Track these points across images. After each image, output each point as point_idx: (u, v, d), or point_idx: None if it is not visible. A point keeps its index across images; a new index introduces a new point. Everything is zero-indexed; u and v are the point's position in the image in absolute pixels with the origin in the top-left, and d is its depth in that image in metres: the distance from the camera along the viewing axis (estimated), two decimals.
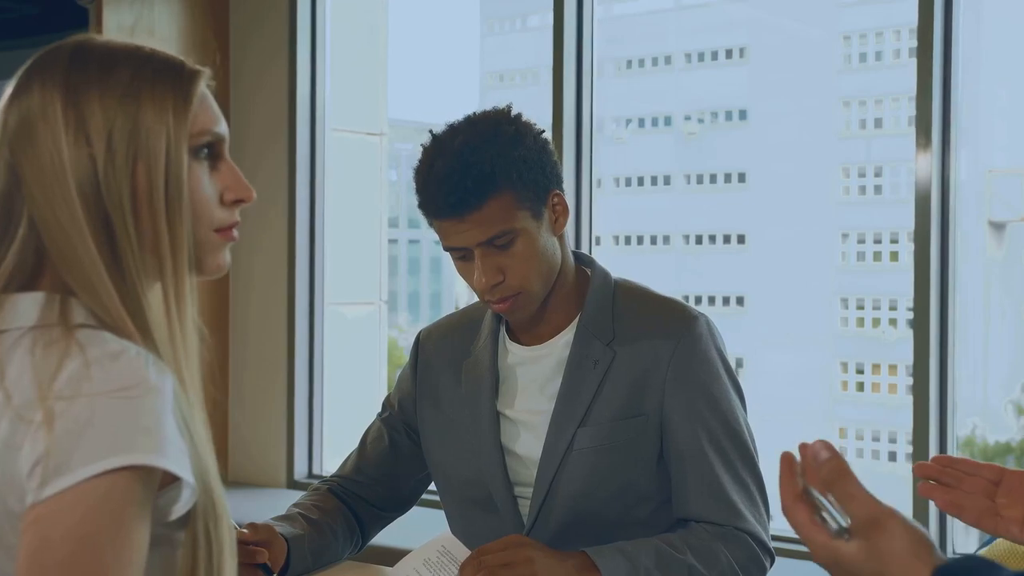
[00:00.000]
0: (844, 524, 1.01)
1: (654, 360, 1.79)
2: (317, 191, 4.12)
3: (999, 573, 0.97)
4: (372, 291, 4.41)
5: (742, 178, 18.95)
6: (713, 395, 1.80)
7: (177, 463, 1.03)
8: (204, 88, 1.18)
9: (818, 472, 1.03)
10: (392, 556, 3.07)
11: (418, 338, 2.01)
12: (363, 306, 4.38)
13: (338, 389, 4.17)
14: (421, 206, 1.79)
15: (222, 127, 1.19)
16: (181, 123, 1.14)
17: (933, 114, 2.95)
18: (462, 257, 1.78)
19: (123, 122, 1.11)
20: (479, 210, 1.71)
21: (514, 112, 1.81)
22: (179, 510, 1.07)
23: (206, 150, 1.18)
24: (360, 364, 4.31)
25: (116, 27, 3.89)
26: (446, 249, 1.79)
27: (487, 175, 1.71)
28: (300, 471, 4.10)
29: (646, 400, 1.79)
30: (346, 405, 4.13)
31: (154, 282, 1.13)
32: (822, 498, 1.03)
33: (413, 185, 1.80)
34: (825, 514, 1.02)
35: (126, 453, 1.00)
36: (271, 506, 3.89)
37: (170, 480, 1.05)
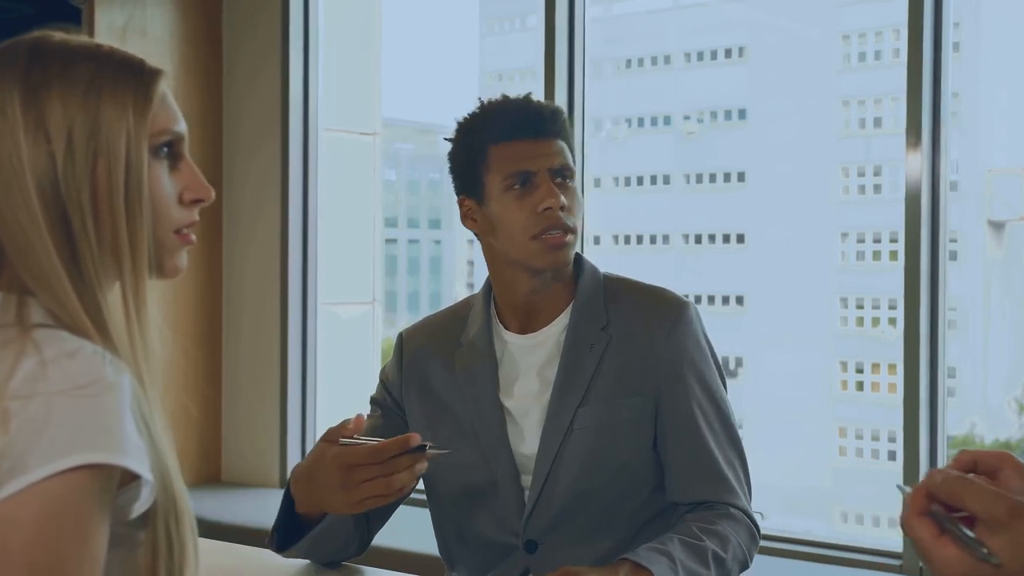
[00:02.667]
0: (976, 541, 0.93)
1: (649, 343, 1.84)
2: (310, 191, 4.12)
3: None
4: (366, 291, 4.41)
5: (741, 177, 18.90)
6: (705, 377, 1.87)
7: (136, 461, 1.03)
8: (164, 87, 1.17)
9: (935, 487, 0.97)
10: (383, 557, 3.07)
11: (401, 336, 2.03)
12: (357, 306, 4.38)
13: (332, 389, 4.17)
14: (493, 131, 1.84)
15: (182, 126, 1.19)
16: (141, 122, 1.13)
17: (923, 113, 2.95)
18: (523, 184, 1.82)
19: (83, 120, 1.11)
20: (559, 137, 1.85)
21: None
22: (139, 509, 1.07)
23: (166, 149, 1.17)
24: (354, 364, 4.31)
25: (108, 27, 3.88)
26: (511, 175, 1.82)
27: (563, 120, 1.88)
28: None
29: (641, 382, 1.84)
30: (340, 405, 4.12)
31: (113, 281, 1.12)
32: (950, 520, 0.95)
33: (472, 124, 1.87)
34: (954, 529, 0.94)
35: (84, 451, 0.99)
36: (264, 506, 3.89)
37: (130, 479, 1.04)
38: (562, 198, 1.81)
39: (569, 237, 1.83)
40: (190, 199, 1.19)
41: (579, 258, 1.94)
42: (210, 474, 4.22)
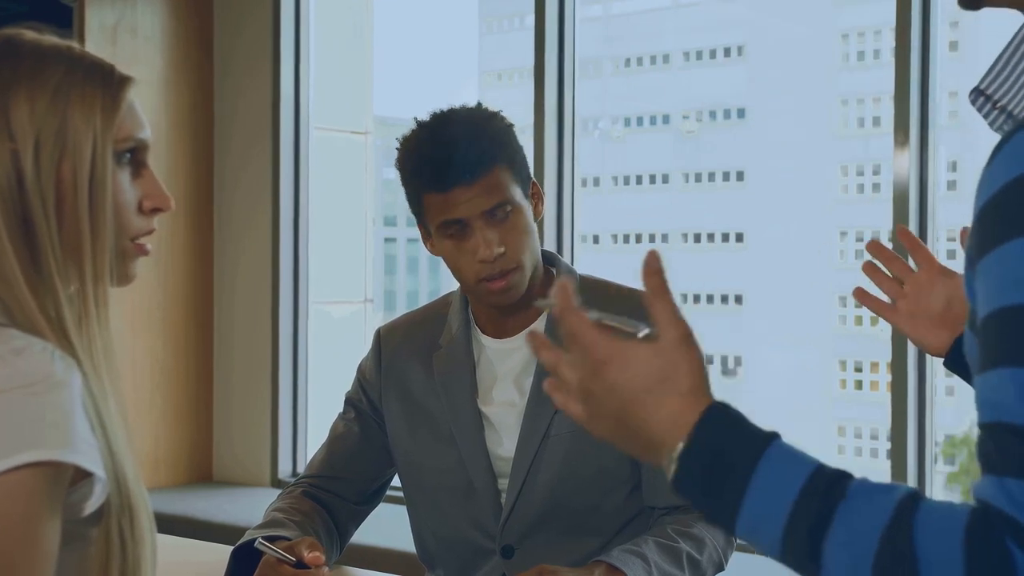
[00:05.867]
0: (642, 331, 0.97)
1: None
2: (301, 190, 4.13)
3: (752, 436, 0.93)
4: (358, 290, 4.41)
5: (740, 176, 18.88)
6: None
7: (87, 458, 1.03)
8: (133, 95, 1.18)
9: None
10: (363, 555, 3.07)
11: (379, 333, 2.02)
12: (349, 305, 4.38)
13: (323, 388, 4.17)
14: (415, 183, 1.79)
15: (146, 134, 1.20)
16: (108, 126, 1.14)
17: (911, 113, 2.95)
18: (456, 233, 1.78)
19: (51, 121, 1.11)
20: (487, 176, 1.75)
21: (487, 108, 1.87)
22: (91, 506, 1.07)
23: (129, 156, 1.18)
24: (345, 363, 4.31)
25: (99, 26, 3.88)
26: (444, 223, 1.78)
27: (495, 142, 1.77)
28: (284, 470, 4.10)
29: None
30: (331, 404, 4.11)
31: (73, 283, 1.12)
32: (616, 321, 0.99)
33: (405, 166, 1.81)
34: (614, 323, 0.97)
35: (33, 449, 0.99)
36: (256, 505, 3.89)
37: (81, 476, 1.05)
38: (496, 247, 1.76)
39: (512, 278, 1.79)
40: (150, 207, 1.19)
41: (555, 259, 1.94)
42: (201, 473, 4.22)
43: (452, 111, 1.81)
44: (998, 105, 1.05)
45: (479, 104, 1.86)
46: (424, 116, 1.82)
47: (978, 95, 1.07)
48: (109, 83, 1.15)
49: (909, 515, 0.87)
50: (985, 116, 1.07)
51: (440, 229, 1.79)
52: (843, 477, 0.91)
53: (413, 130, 1.82)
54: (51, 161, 1.11)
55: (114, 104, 1.15)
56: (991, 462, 0.89)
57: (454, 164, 1.74)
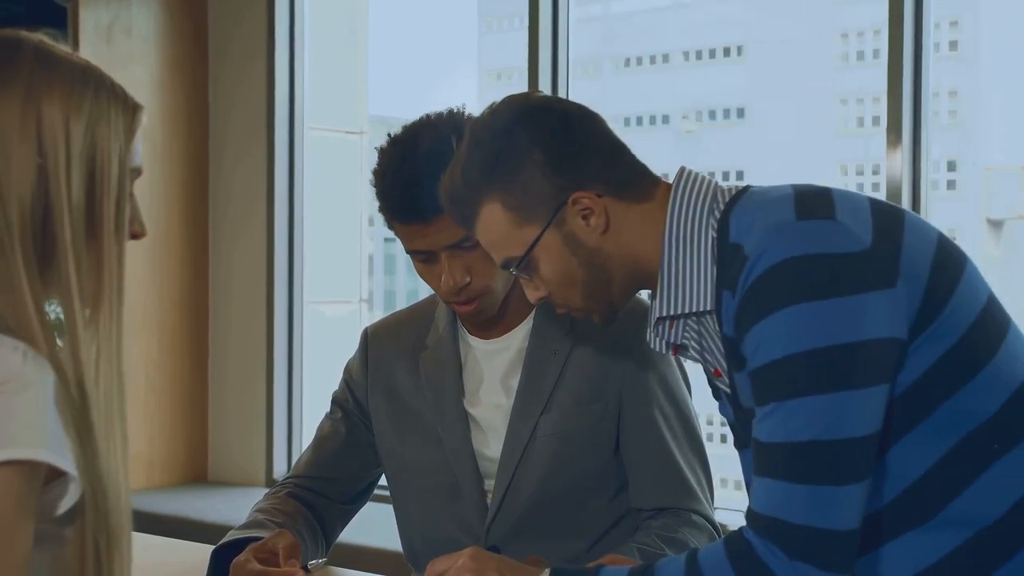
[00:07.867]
0: None
1: (614, 348, 1.84)
2: (296, 190, 4.13)
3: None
4: (353, 290, 4.42)
5: (740, 176, 18.84)
6: (668, 381, 1.86)
7: (60, 456, 1.03)
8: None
9: None
10: (351, 554, 3.07)
11: (366, 332, 2.03)
12: (344, 305, 4.38)
13: (318, 388, 4.17)
14: (383, 210, 1.79)
15: (141, 160, 1.20)
16: (128, 151, 1.15)
17: (903, 113, 2.96)
18: (425, 260, 1.78)
19: (84, 140, 1.11)
20: (445, 215, 1.69)
21: (468, 113, 1.81)
22: (64, 505, 1.07)
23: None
24: (340, 363, 4.31)
25: (93, 26, 3.88)
26: (408, 251, 1.79)
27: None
28: (279, 470, 4.10)
29: (605, 387, 1.84)
30: (326, 405, 4.12)
31: (90, 296, 1.12)
32: None
33: (375, 186, 1.79)
34: None
35: (7, 448, 1.00)
36: (250, 506, 3.88)
37: (55, 475, 1.05)
38: (460, 278, 1.74)
39: (481, 302, 1.79)
40: (134, 232, 1.19)
41: None
42: (196, 474, 4.23)
43: (419, 134, 1.76)
44: (681, 316, 1.38)
45: (459, 111, 1.80)
46: (396, 132, 1.79)
47: (656, 327, 1.42)
48: (127, 108, 1.16)
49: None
50: (661, 339, 1.45)
51: (408, 252, 1.80)
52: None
53: (384, 149, 1.79)
54: (82, 182, 1.11)
55: (131, 129, 1.16)
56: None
57: (412, 203, 1.72)
